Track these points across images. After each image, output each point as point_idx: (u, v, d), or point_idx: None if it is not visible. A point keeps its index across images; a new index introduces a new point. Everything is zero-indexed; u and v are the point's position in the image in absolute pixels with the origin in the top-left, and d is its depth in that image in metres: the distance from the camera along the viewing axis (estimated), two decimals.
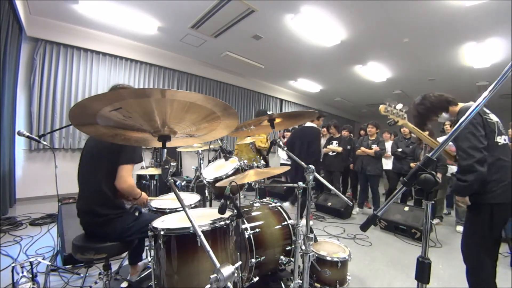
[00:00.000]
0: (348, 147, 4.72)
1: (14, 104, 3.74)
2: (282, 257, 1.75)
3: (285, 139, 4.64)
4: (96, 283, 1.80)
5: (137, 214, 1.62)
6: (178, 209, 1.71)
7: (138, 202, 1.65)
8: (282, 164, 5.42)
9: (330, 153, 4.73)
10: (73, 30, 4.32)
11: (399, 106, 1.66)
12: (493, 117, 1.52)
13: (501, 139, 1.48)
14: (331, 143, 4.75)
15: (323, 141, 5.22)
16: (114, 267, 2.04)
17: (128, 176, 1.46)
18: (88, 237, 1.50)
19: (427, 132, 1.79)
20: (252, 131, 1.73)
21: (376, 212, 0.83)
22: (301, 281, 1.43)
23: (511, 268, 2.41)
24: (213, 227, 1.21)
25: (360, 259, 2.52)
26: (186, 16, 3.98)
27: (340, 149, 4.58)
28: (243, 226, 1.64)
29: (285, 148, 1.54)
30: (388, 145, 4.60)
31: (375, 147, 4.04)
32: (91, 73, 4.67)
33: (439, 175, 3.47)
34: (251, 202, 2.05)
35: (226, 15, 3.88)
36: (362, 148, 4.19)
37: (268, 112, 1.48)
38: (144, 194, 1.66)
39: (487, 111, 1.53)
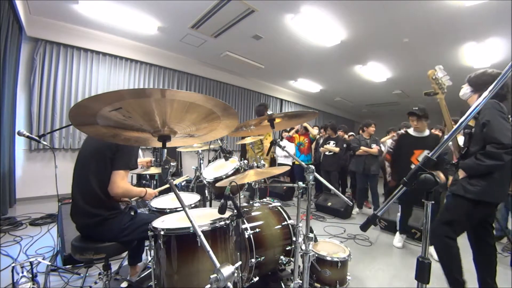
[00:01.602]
0: (344, 145, 4.73)
1: (14, 104, 3.74)
2: (282, 257, 1.75)
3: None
4: (96, 283, 1.79)
5: (132, 213, 1.60)
6: (178, 209, 1.71)
7: (146, 199, 1.64)
8: (280, 164, 5.42)
9: (327, 153, 4.75)
10: (73, 30, 4.32)
11: (447, 77, 1.60)
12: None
13: None
14: (328, 143, 4.76)
15: (321, 141, 5.24)
16: (114, 267, 2.04)
17: (121, 181, 1.43)
18: (87, 237, 1.49)
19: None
20: (252, 131, 1.74)
21: (376, 212, 0.83)
22: (301, 281, 1.43)
23: (511, 268, 2.41)
24: (213, 227, 1.21)
25: (360, 259, 2.52)
26: (186, 16, 3.98)
27: (337, 149, 4.60)
28: (243, 226, 1.64)
29: (285, 148, 1.53)
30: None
31: (375, 146, 4.03)
32: (91, 73, 4.67)
33: (449, 177, 2.84)
34: (251, 202, 2.05)
35: (226, 15, 3.88)
36: (364, 148, 4.11)
37: (268, 112, 1.48)
38: (150, 190, 1.66)
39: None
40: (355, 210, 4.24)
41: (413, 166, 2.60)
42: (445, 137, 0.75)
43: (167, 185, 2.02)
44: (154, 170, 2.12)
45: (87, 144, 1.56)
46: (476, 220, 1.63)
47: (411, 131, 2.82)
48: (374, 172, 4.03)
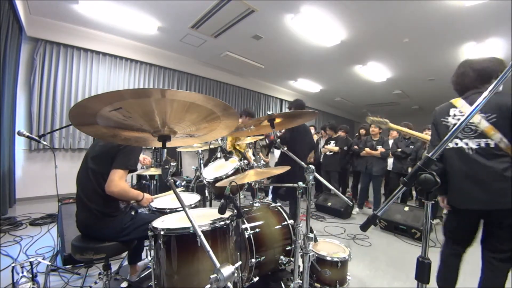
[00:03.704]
0: (345, 147, 4.74)
1: (14, 104, 3.74)
2: (282, 257, 1.75)
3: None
4: (96, 283, 1.79)
5: (133, 213, 1.63)
6: (178, 209, 1.71)
7: (142, 204, 1.64)
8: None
9: (328, 153, 4.76)
10: (73, 30, 4.32)
11: (378, 116, 2.30)
12: (454, 120, 1.47)
13: (451, 143, 1.44)
14: (329, 143, 4.78)
15: (322, 142, 5.25)
16: (114, 267, 2.04)
17: (119, 180, 1.43)
18: (87, 237, 1.50)
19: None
20: (252, 131, 1.73)
21: (376, 212, 0.82)
22: (301, 281, 1.43)
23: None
24: (213, 227, 1.21)
25: (360, 259, 2.52)
26: (186, 16, 3.98)
27: (336, 148, 4.63)
28: (243, 226, 1.64)
29: (285, 148, 1.53)
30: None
31: (380, 148, 4.06)
32: (91, 73, 4.67)
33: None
34: (251, 202, 2.05)
35: (226, 15, 3.88)
36: (367, 150, 4.18)
37: (268, 112, 1.48)
38: (147, 195, 1.67)
39: (455, 113, 1.49)
40: (355, 210, 4.25)
41: None
42: (446, 137, 0.75)
43: (165, 194, 2.05)
44: (154, 171, 2.12)
45: (94, 144, 1.60)
46: (457, 227, 1.56)
47: None
48: (376, 173, 4.07)
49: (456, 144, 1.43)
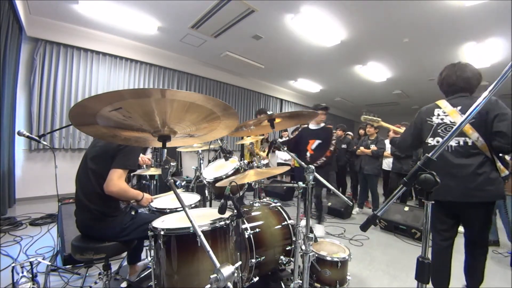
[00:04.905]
0: (343, 146, 4.74)
1: (14, 104, 3.74)
2: (282, 257, 1.75)
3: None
4: (96, 283, 1.79)
5: (133, 213, 1.62)
6: (178, 209, 1.71)
7: (142, 203, 1.64)
8: (280, 164, 5.42)
9: None
10: (73, 30, 4.32)
11: (371, 114, 2.48)
12: (438, 120, 1.59)
13: (433, 141, 1.59)
14: None
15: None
16: (114, 267, 2.04)
17: (118, 180, 1.42)
18: (87, 237, 1.50)
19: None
20: (252, 131, 1.73)
21: (376, 212, 0.82)
22: (301, 281, 1.43)
23: (511, 268, 2.41)
24: (213, 227, 1.21)
25: (360, 259, 2.52)
26: (186, 16, 3.98)
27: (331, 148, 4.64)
28: (243, 226, 1.64)
29: (285, 148, 1.53)
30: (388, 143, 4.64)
31: (372, 147, 4.09)
32: (91, 73, 4.67)
33: None
34: (251, 202, 2.05)
35: (226, 15, 3.88)
36: (361, 148, 4.25)
37: (268, 112, 1.48)
38: (147, 195, 1.66)
39: (439, 113, 1.60)
40: (355, 210, 4.26)
41: (308, 153, 3.13)
42: (446, 137, 0.75)
43: (165, 194, 2.05)
44: (154, 171, 2.12)
45: (94, 144, 1.59)
46: (437, 219, 1.66)
47: (310, 125, 3.31)
48: (367, 172, 4.11)
49: (438, 142, 1.58)
